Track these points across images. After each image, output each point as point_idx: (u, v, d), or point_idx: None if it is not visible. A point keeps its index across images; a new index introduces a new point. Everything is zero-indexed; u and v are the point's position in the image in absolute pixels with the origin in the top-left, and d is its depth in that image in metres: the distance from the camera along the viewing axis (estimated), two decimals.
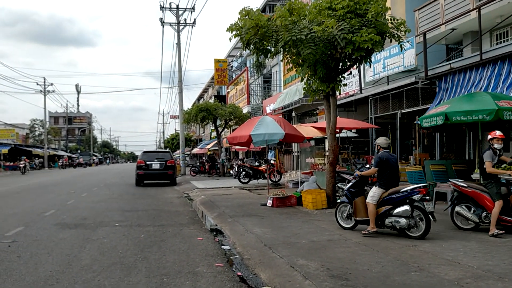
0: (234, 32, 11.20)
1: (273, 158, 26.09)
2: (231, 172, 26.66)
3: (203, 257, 6.63)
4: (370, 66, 11.16)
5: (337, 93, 11.26)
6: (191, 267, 6.03)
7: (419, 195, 7.31)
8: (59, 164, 63.28)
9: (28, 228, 9.38)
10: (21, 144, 63.76)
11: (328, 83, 10.66)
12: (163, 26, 33.42)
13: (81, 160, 70.32)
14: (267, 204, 11.84)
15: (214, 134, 46.76)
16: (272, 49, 11.55)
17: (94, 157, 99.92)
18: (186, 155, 35.14)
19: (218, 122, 30.16)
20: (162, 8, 32.69)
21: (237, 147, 28.57)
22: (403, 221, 7.32)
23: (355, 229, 8.09)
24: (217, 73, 44.44)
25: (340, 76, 10.94)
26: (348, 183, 12.15)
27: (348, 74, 15.82)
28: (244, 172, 20.50)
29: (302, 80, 11.85)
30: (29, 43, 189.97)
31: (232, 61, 52.18)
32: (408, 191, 7.41)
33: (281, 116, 20.42)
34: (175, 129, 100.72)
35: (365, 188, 8.21)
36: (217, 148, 32.61)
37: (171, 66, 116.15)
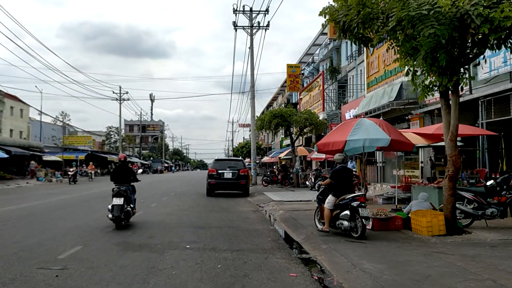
0: (327, 17, 9.29)
1: (354, 169, 23.72)
2: (307, 183, 24.60)
3: None
4: (511, 52, 8.67)
5: (461, 88, 8.88)
6: None
7: (357, 202, 8.67)
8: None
9: (86, 248, 7.98)
10: (97, 151, 65.83)
11: (450, 75, 8.38)
12: (235, 30, 32.28)
13: (159, 167, 72.04)
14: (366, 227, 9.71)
15: (285, 142, 44.97)
16: (372, 36, 9.48)
17: (166, 164, 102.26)
18: (256, 164, 33.52)
19: (292, 129, 28.28)
20: (235, 11, 31.54)
21: (313, 156, 26.53)
22: (345, 223, 8.71)
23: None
24: (290, 79, 42.71)
25: (464, 67, 8.60)
26: (468, 203, 9.76)
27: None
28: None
29: (407, 74, 9.60)
30: (109, 55, 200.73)
31: (304, 68, 50.29)
32: (350, 198, 8.83)
33: (381, 118, 18.16)
34: (244, 137, 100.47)
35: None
36: (290, 157, 30.74)
37: (242, 74, 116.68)
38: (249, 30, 31.87)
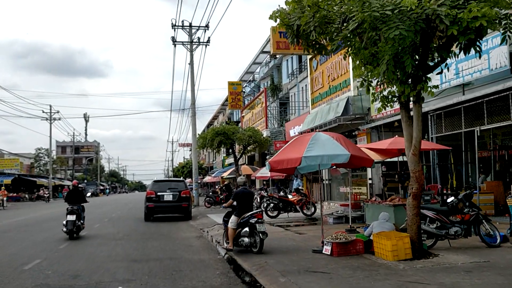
0: (278, 21, 8.41)
1: (300, 187, 23.04)
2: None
3: None
4: (479, 57, 8.17)
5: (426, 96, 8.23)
6: None
7: (255, 219, 9.41)
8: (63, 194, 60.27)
9: None
10: (25, 174, 61.20)
11: (413, 84, 7.71)
12: (174, 46, 31.03)
13: (93, 190, 67.59)
14: (324, 251, 8.76)
15: (228, 161, 43.80)
16: (326, 43, 8.71)
17: (102, 187, 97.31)
18: (198, 184, 31.99)
19: (235, 148, 27.28)
20: (174, 26, 30.32)
21: (258, 174, 25.62)
22: (246, 239, 9.37)
23: None
24: (231, 96, 41.96)
25: (426, 75, 7.97)
26: (430, 222, 9.11)
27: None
28: (272, 204, 17.38)
29: (362, 85, 8.89)
30: (41, 74, 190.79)
31: (245, 86, 49.78)
32: (249, 216, 9.48)
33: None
34: (184, 157, 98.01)
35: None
36: (233, 176, 29.63)
37: (182, 90, 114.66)
38: (188, 46, 30.75)
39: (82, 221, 13.35)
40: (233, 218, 9.67)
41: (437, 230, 8.95)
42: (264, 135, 27.97)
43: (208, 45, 31.07)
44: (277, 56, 45.53)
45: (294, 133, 24.95)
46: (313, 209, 17.44)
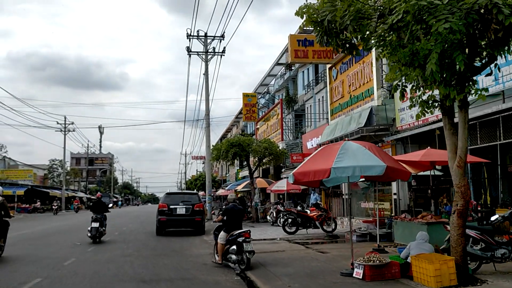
0: (305, 17, 7.59)
1: (318, 202, 22.04)
2: (268, 218, 22.58)
3: None
4: None
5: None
6: None
7: (242, 237, 9.59)
8: (75, 206, 59.81)
9: None
10: (38, 186, 60.99)
11: (459, 86, 6.80)
12: (189, 56, 30.49)
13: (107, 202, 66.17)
14: (355, 275, 7.80)
15: (242, 174, 42.90)
16: (358, 43, 7.87)
17: (115, 199, 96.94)
18: (211, 197, 31.08)
19: (250, 160, 26.41)
20: (189, 36, 29.83)
21: (274, 188, 24.69)
22: (233, 257, 9.60)
23: None
24: (246, 108, 41.28)
25: (472, 77, 7.07)
26: (473, 242, 8.10)
27: None
28: (290, 220, 16.42)
29: (395, 89, 7.98)
30: (57, 86, 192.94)
31: (259, 98, 49.11)
32: (237, 234, 9.73)
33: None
34: (197, 170, 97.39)
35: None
36: (248, 189, 28.73)
37: (196, 101, 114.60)
38: (203, 56, 30.20)
39: (103, 228, 15.43)
40: (222, 234, 10.07)
41: (482, 252, 7.96)
42: (280, 147, 27.05)
43: (223, 55, 30.52)
44: (293, 67, 44.91)
45: (312, 145, 24.06)
46: (333, 225, 16.45)
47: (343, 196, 20.97)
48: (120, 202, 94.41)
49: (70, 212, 59.80)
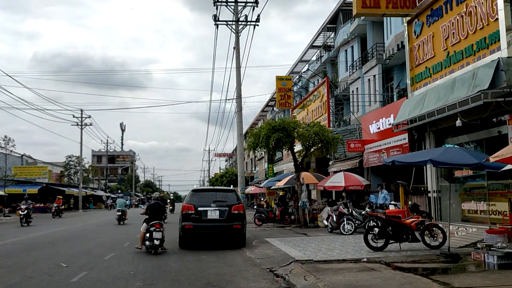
0: None
1: (388, 202, 16.66)
2: (324, 222, 17.29)
3: None
4: None
5: None
6: None
7: (153, 227, 11.75)
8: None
9: None
10: (54, 183, 57.04)
11: None
12: (217, 27, 25.39)
13: (108, 202, 60.56)
14: None
15: (277, 168, 37.66)
16: None
17: (137, 197, 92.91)
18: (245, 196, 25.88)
19: (297, 148, 21.16)
20: (216, 2, 24.80)
21: (328, 184, 19.38)
22: (147, 243, 11.90)
23: None
24: (280, 93, 36.01)
25: None
26: None
27: None
28: (377, 229, 11.05)
29: None
30: (82, 87, 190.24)
31: (297, 80, 43.76)
32: (150, 224, 11.92)
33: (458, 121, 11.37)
34: (220, 168, 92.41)
35: None
36: (292, 184, 23.53)
37: (220, 95, 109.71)
38: (233, 26, 25.09)
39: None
40: (144, 225, 12.25)
41: None
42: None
43: (258, 25, 25.29)
44: (332, 48, 39.47)
45: (378, 128, 18.65)
46: (441, 237, 11.04)
47: (428, 194, 15.52)
48: (139, 204, 72.52)
49: (89, 210, 55.67)
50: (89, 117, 58.94)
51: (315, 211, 21.10)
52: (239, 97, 24.76)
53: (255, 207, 30.56)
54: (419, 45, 15.18)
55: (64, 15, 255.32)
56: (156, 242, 11.66)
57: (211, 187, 16.47)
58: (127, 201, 62.86)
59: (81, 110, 58.11)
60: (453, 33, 13.15)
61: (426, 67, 14.75)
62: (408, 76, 15.92)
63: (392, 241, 11.03)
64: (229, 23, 25.11)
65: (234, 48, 25.30)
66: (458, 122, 11.93)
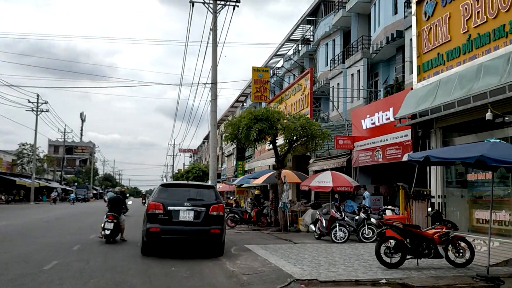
0: None
1: (387, 207, 14.71)
2: (312, 227, 15.13)
3: None
4: None
5: None
6: None
7: (107, 218, 12.70)
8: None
9: None
10: (4, 172, 52.57)
11: None
12: (192, 4, 22.85)
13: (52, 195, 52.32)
14: None
15: (249, 166, 35.29)
16: None
17: (94, 191, 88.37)
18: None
19: (278, 142, 18.92)
20: None
21: (314, 184, 17.23)
22: (102, 232, 12.82)
23: None
24: (256, 86, 33.63)
25: None
26: None
27: None
28: (393, 241, 8.89)
29: None
30: (44, 74, 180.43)
31: (273, 74, 41.62)
32: (106, 215, 12.91)
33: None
34: (184, 164, 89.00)
35: None
36: (273, 182, 21.28)
37: (188, 99, 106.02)
38: (211, 5, 22.64)
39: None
40: (104, 217, 13.00)
41: None
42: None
43: (238, 5, 22.96)
44: (311, 41, 37.54)
45: (373, 123, 16.63)
46: (468, 253, 9.03)
47: (431, 199, 13.61)
48: (73, 196, 54.23)
49: (41, 203, 51.54)
50: (46, 102, 54.86)
51: (294, 213, 18.98)
52: (214, 82, 22.30)
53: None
54: (430, 28, 13.22)
55: (30, 0, 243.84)
56: (107, 232, 12.56)
57: (185, 182, 13.89)
58: (88, 194, 58.21)
59: (37, 95, 53.93)
60: (478, 12, 11.22)
61: (438, 53, 12.79)
62: (415, 64, 13.94)
63: (410, 257, 8.93)
64: (206, 1, 22.63)
65: (211, 29, 22.82)
66: (489, 115, 9.99)
